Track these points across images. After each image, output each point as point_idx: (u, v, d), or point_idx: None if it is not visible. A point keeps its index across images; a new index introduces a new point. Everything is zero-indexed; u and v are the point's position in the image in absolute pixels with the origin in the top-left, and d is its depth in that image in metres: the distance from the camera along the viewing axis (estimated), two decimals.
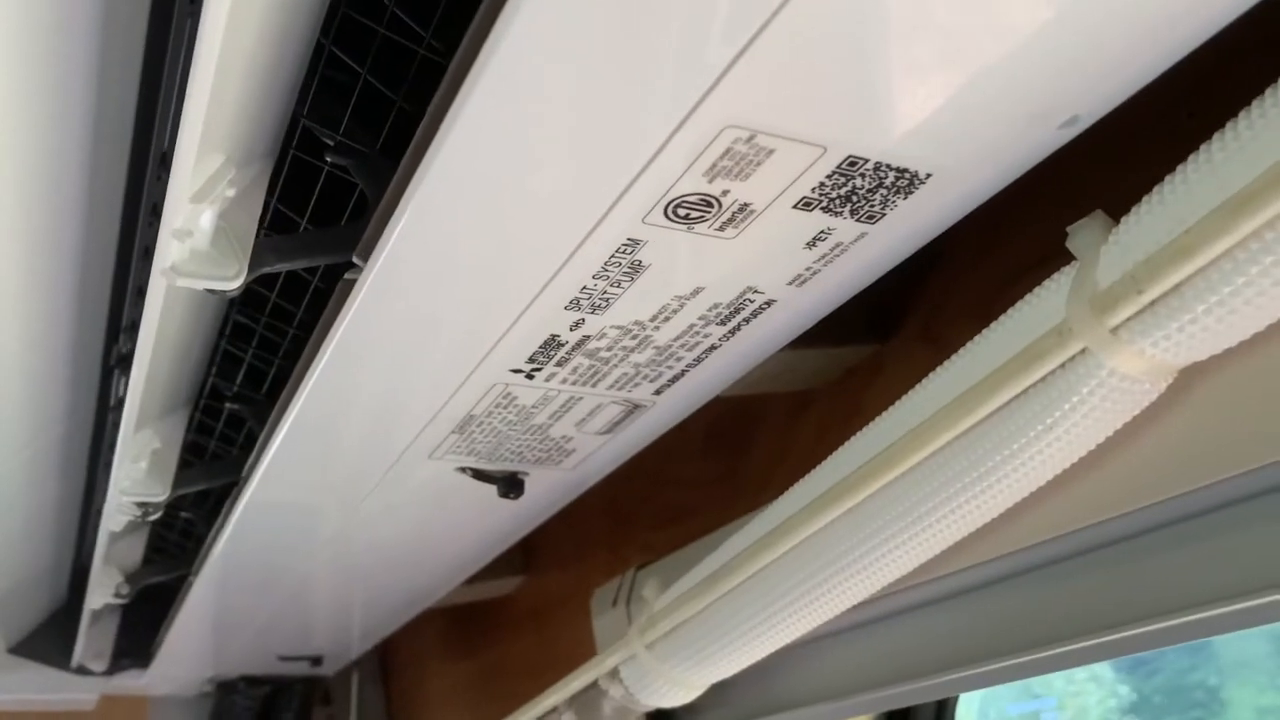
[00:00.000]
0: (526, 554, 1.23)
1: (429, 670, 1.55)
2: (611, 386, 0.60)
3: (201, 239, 0.47)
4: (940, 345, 0.67)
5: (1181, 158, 0.40)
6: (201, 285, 0.48)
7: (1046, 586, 0.61)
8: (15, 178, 0.61)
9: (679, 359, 0.57)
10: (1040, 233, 0.54)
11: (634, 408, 0.63)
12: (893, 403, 0.54)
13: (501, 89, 0.37)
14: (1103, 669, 1.26)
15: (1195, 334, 0.40)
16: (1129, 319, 0.40)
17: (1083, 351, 0.41)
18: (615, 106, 0.38)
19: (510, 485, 0.71)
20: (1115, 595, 0.57)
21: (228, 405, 0.75)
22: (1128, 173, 0.49)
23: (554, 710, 0.82)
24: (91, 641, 1.25)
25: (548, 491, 0.76)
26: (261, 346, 0.70)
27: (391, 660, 1.66)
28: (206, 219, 0.46)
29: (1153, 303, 0.40)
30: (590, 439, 0.67)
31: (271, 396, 0.70)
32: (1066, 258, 0.45)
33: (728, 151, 0.40)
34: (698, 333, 0.54)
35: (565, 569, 1.16)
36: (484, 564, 0.99)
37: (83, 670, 1.33)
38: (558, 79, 0.37)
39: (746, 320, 0.53)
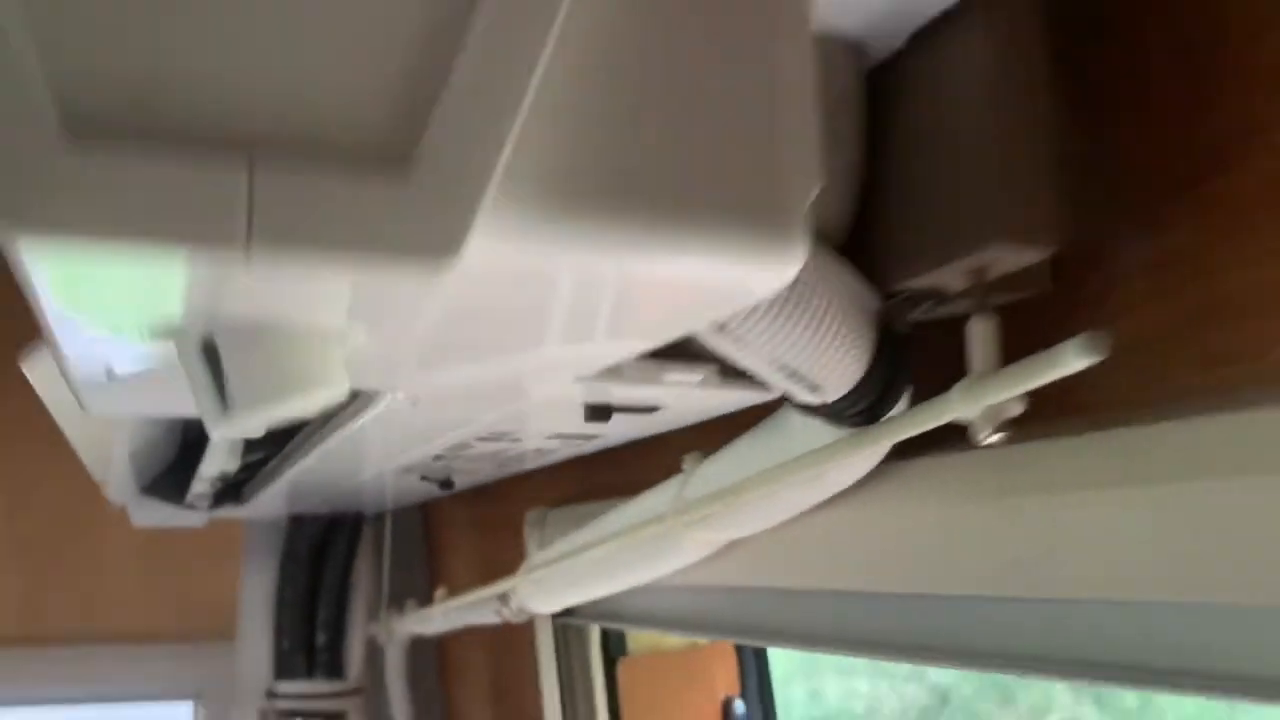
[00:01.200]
0: None
1: (449, 506, 2.04)
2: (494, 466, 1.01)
3: None
4: None
5: None
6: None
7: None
8: None
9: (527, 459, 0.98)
10: None
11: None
12: None
13: None
14: None
15: (723, 532, 0.79)
16: (692, 521, 0.80)
17: (672, 530, 0.81)
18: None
19: (444, 485, 1.14)
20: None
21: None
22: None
23: (483, 601, 1.28)
24: (197, 494, 1.75)
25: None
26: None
27: None
28: None
29: (702, 517, 0.79)
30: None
31: None
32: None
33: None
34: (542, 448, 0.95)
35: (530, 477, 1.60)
36: None
37: (192, 507, 1.84)
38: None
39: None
